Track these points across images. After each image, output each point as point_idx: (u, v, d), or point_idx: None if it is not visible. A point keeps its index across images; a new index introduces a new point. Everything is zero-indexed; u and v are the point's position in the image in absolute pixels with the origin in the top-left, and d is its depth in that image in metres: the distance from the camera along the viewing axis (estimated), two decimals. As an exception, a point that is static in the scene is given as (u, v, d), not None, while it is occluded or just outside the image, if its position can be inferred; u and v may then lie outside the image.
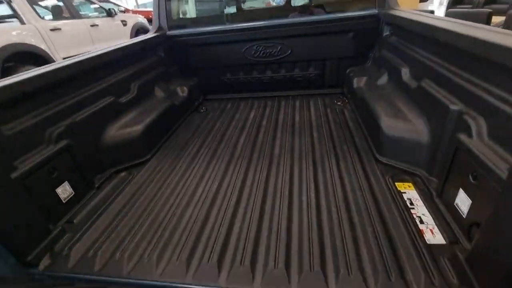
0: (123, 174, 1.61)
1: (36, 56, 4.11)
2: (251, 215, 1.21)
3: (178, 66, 2.59)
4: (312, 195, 1.30)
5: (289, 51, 2.34)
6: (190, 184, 1.46)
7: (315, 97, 2.45)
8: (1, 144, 1.06)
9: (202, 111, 2.45)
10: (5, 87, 1.09)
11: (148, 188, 1.47)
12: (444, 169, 1.14)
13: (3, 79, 1.17)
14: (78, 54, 1.66)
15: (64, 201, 1.29)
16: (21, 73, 1.26)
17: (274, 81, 2.51)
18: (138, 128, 1.68)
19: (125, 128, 1.66)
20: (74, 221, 1.28)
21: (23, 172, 1.09)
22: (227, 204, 1.29)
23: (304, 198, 1.28)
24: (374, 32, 2.19)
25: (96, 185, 1.48)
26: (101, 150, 1.55)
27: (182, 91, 2.37)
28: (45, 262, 1.11)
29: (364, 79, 2.05)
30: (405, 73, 1.61)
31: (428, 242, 1.02)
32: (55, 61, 4.09)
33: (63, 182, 1.29)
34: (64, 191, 1.29)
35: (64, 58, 3.16)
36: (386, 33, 2.10)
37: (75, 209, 1.34)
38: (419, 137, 1.31)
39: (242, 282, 0.95)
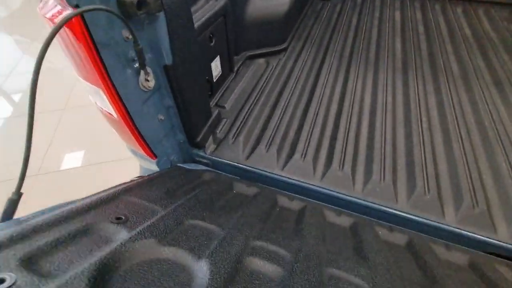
0: (260, 61, 1.43)
1: None
2: (383, 124, 1.09)
3: None
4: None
5: None
6: (327, 84, 1.29)
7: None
8: None
9: None
10: None
11: (286, 79, 1.31)
12: None
13: None
14: None
15: (214, 80, 1.14)
16: None
17: None
18: (285, 1, 1.40)
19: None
20: (226, 106, 1.15)
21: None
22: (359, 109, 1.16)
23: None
24: None
25: (235, 69, 1.33)
26: (243, 25, 1.32)
27: None
28: (210, 146, 1.00)
29: None
30: None
31: None
32: None
33: (216, 55, 1.12)
34: (216, 67, 1.14)
35: None
36: None
37: (222, 92, 1.21)
38: None
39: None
